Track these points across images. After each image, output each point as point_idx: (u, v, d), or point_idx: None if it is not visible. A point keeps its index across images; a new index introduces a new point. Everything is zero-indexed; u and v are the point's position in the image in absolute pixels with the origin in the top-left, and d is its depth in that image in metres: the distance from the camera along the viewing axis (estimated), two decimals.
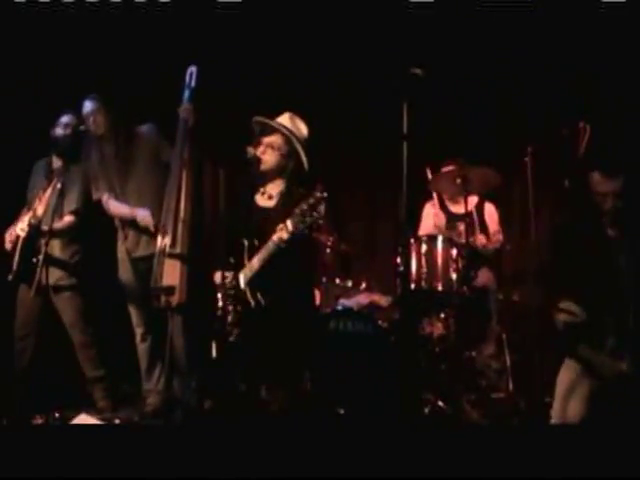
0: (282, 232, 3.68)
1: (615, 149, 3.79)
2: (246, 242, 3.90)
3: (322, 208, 3.59)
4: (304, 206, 3.59)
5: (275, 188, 4.05)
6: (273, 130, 4.02)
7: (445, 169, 5.02)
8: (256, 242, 3.87)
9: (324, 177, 4.11)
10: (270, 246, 3.74)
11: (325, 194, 3.58)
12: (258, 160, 3.97)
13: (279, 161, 4.00)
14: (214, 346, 3.88)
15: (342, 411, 4.24)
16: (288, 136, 4.00)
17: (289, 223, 3.64)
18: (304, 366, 4.00)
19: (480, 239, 4.94)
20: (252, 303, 3.83)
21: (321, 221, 3.61)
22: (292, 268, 3.87)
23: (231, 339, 3.87)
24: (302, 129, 4.10)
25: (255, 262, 3.82)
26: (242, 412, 3.91)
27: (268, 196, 4.04)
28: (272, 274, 3.79)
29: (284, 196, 4.00)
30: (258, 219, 3.97)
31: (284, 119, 4.11)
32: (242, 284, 3.87)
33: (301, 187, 3.99)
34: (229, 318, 3.89)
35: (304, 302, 4.09)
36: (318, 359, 4.18)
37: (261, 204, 4.06)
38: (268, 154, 3.99)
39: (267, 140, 4.01)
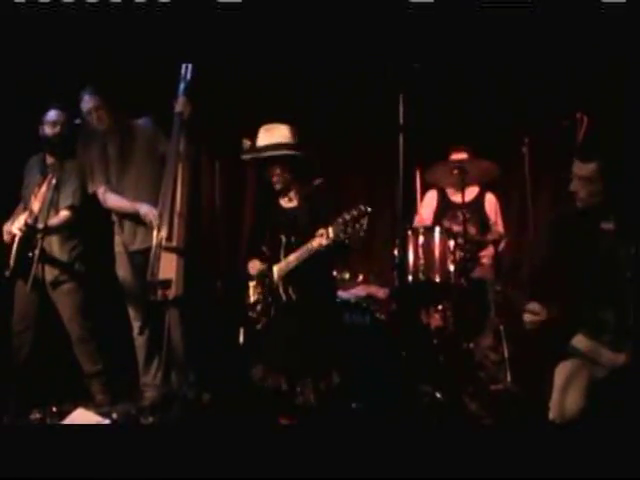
0: (322, 238, 3.72)
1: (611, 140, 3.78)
2: (284, 239, 3.94)
3: (365, 222, 3.61)
4: (347, 216, 3.62)
5: (294, 191, 4.08)
6: (268, 160, 4.00)
7: (455, 156, 5.00)
8: (293, 239, 3.92)
9: (322, 169, 4.12)
10: (309, 248, 3.79)
11: (370, 209, 3.61)
12: (275, 184, 4.00)
13: (288, 175, 4.00)
14: (242, 332, 3.99)
15: (339, 404, 4.24)
16: (282, 156, 3.96)
17: (331, 231, 3.67)
18: (332, 362, 4.01)
19: (488, 252, 4.96)
20: (283, 297, 3.90)
21: (362, 234, 3.62)
22: (324, 268, 4.01)
23: (258, 327, 3.95)
24: (283, 133, 4.01)
25: (292, 259, 3.87)
26: (266, 405, 3.94)
27: (289, 199, 4.08)
28: (305, 272, 3.86)
29: (304, 195, 4.04)
30: (285, 219, 4.03)
31: (262, 138, 4.02)
32: (276, 277, 3.94)
33: (317, 180, 4.04)
34: (258, 307, 3.98)
35: (331, 300, 4.20)
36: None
37: (285, 205, 4.09)
38: (276, 177, 4.00)
39: (272, 169, 4.00)
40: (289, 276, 3.90)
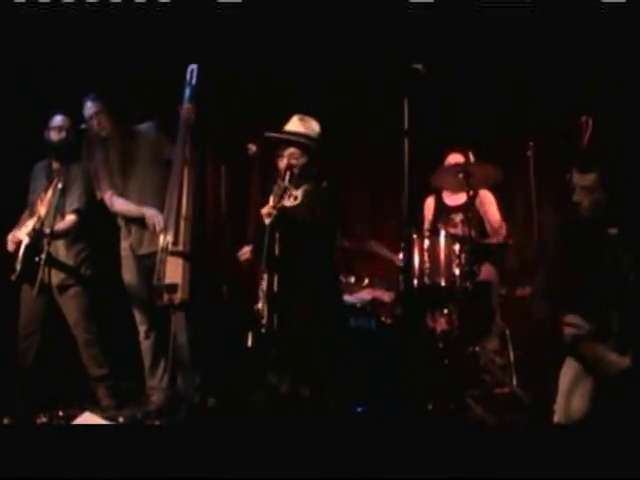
0: (265, 208, 3.93)
1: (613, 145, 3.79)
2: (278, 234, 4.00)
3: (287, 176, 3.91)
4: (279, 180, 3.91)
5: (300, 190, 4.12)
6: (289, 142, 4.06)
7: (452, 159, 5.00)
8: (287, 233, 4.00)
9: (327, 173, 4.14)
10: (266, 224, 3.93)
11: (285, 162, 3.95)
12: (284, 171, 4.05)
13: (303, 169, 4.06)
14: (250, 336, 4.00)
15: (345, 407, 4.24)
16: (305, 144, 4.05)
17: (270, 199, 3.91)
18: (330, 362, 4.03)
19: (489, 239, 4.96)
20: (264, 287, 3.95)
21: (287, 190, 3.92)
22: (326, 270, 4.03)
23: (262, 331, 3.97)
24: (315, 128, 4.13)
25: (265, 243, 3.92)
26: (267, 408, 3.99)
27: (294, 198, 4.11)
28: (289, 261, 3.94)
29: (308, 193, 4.08)
30: (285, 217, 4.05)
31: (294, 124, 4.14)
32: (262, 271, 3.99)
33: (324, 182, 4.08)
34: (262, 311, 4.02)
35: (327, 294, 4.14)
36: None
37: (288, 204, 4.12)
38: (294, 165, 4.06)
39: (288, 152, 4.06)
40: (272, 266, 3.93)
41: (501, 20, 4.15)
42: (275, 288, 3.93)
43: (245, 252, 4.21)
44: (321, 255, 4.05)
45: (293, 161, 4.04)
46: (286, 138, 4.08)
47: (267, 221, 3.90)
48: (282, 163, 4.06)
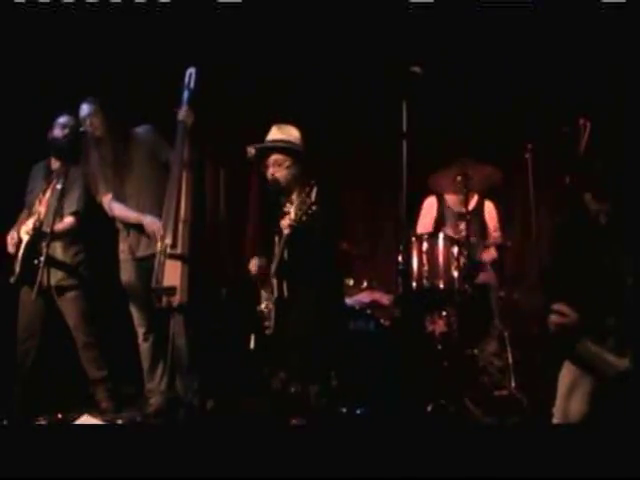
0: (285, 220, 3.98)
1: (613, 149, 3.79)
2: (277, 238, 4.13)
3: (313, 194, 3.94)
4: (302, 195, 3.95)
5: (296, 195, 4.18)
6: (270, 150, 4.20)
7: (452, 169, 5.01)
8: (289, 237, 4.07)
9: (325, 176, 4.15)
10: (282, 235, 4.02)
11: (312, 182, 4.00)
12: (274, 180, 4.20)
13: (291, 173, 4.19)
14: (252, 339, 4.11)
15: (344, 409, 4.25)
16: (286, 148, 4.19)
17: (291, 212, 3.95)
18: (331, 363, 4.09)
19: (489, 254, 4.97)
20: (276, 294, 4.04)
21: (314, 207, 3.90)
22: (318, 263, 4.10)
23: (267, 332, 4.06)
24: (293, 133, 4.24)
25: (277, 252, 4.06)
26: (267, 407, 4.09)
27: (291, 202, 4.16)
28: (299, 268, 4.04)
29: (301, 198, 4.12)
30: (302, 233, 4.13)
31: (272, 133, 4.28)
32: (271, 274, 4.09)
33: (313, 182, 4.12)
34: (265, 312, 4.12)
35: (331, 298, 4.22)
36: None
37: (285, 210, 4.18)
38: (279, 172, 4.19)
39: (272, 160, 4.19)
40: (282, 273, 4.04)
41: (501, 21, 4.15)
42: (285, 293, 4.02)
43: (259, 265, 4.22)
44: (325, 257, 4.10)
45: (277, 167, 4.14)
46: (266, 146, 4.23)
47: (286, 232, 3.99)
48: (268, 172, 4.15)
